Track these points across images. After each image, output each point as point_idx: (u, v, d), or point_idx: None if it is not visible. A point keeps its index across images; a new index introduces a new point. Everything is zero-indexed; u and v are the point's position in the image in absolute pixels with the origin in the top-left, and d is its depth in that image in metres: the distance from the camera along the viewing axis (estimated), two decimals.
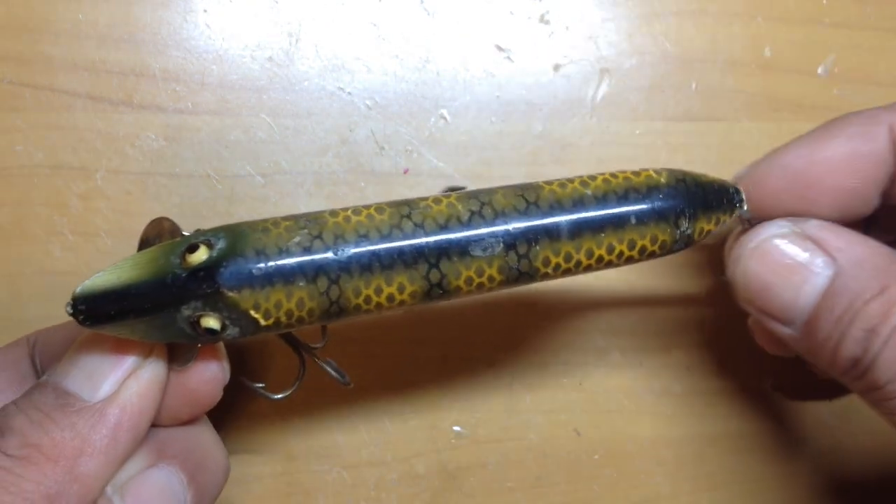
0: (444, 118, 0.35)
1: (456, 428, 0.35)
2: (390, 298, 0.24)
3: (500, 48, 0.35)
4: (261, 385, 0.28)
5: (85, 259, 0.32)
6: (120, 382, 0.23)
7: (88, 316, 0.22)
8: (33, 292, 0.32)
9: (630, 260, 0.26)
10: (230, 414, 0.34)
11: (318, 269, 0.23)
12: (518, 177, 0.35)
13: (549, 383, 0.36)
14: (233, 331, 0.23)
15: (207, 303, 0.22)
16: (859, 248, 0.26)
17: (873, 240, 0.26)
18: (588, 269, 0.26)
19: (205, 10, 0.33)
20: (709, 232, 0.28)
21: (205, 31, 0.33)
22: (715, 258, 0.37)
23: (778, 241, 0.27)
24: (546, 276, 0.25)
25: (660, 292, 0.37)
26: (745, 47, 0.37)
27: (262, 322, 0.23)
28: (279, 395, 0.28)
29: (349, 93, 0.34)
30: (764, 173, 0.29)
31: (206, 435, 0.27)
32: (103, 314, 0.22)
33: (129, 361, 0.24)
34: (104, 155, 0.32)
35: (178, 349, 0.25)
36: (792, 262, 0.26)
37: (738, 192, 0.29)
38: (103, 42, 0.32)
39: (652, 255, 0.26)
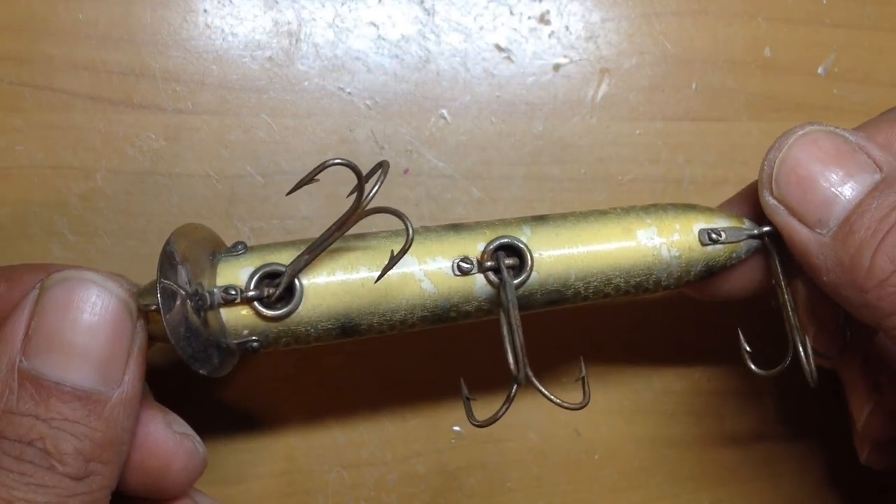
0: (444, 118, 0.35)
1: (456, 428, 0.35)
2: None
3: (500, 48, 0.35)
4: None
5: (85, 259, 0.32)
6: None
7: None
8: None
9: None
10: (230, 414, 0.34)
11: None
12: (518, 177, 0.35)
13: (549, 383, 0.36)
14: None
15: None
16: None
17: None
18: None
19: (205, 10, 0.33)
20: None
21: (205, 31, 0.33)
22: None
23: (830, 132, 0.26)
24: None
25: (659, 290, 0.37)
26: (745, 47, 0.37)
27: None
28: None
29: (349, 93, 0.34)
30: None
31: None
32: None
33: None
34: (104, 155, 0.32)
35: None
36: (845, 148, 0.25)
37: None
38: (103, 42, 0.32)
39: None
